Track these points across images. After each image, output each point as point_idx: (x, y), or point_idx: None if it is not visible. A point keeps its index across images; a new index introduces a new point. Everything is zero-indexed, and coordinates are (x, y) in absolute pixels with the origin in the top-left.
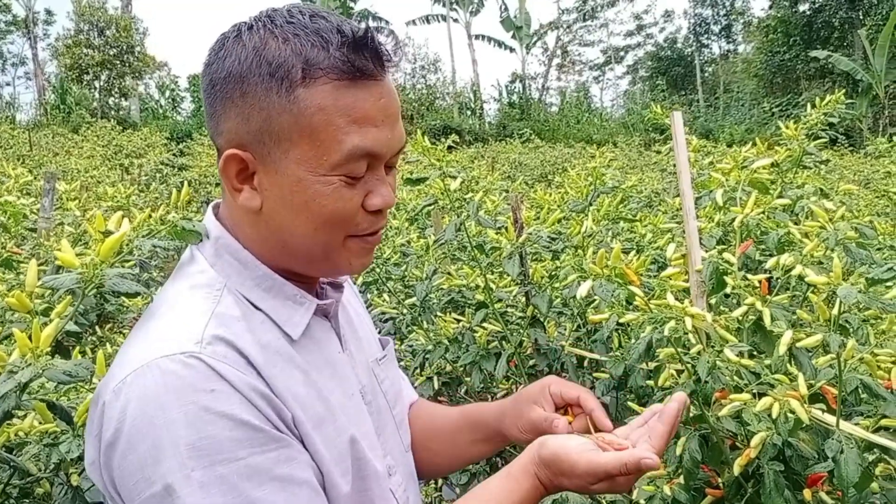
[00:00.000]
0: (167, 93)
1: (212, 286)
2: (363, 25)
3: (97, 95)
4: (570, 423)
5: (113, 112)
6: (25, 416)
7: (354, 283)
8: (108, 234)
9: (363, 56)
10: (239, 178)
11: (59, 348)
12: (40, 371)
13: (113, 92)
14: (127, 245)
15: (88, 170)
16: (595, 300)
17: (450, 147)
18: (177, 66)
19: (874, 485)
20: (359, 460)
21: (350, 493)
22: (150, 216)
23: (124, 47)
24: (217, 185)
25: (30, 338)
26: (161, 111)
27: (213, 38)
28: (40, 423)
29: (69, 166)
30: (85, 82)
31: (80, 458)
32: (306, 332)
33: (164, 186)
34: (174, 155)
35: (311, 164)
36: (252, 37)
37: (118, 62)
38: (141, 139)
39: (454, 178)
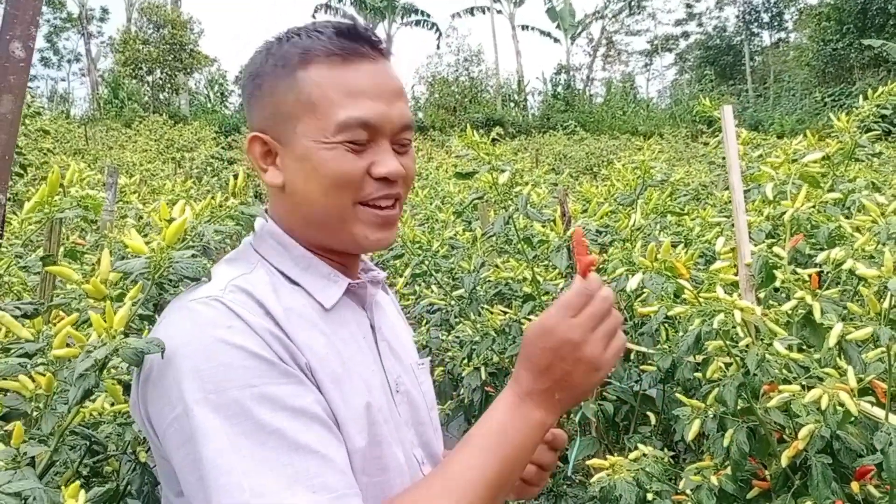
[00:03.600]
0: (216, 87)
1: (247, 261)
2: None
3: (149, 90)
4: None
5: (164, 107)
6: (96, 397)
7: (391, 286)
8: (172, 221)
9: (353, 40)
10: (265, 161)
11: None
12: (114, 349)
13: (165, 87)
14: (190, 232)
15: (143, 163)
16: (643, 294)
17: (493, 140)
18: (225, 62)
19: None
20: (374, 425)
21: (366, 450)
22: (210, 203)
23: (179, 45)
24: None
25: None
26: (210, 105)
27: (260, 36)
28: (112, 404)
29: (124, 160)
30: (138, 77)
31: None
32: (338, 309)
33: (215, 180)
34: (223, 148)
35: (315, 134)
36: (268, 45)
37: (171, 58)
38: (191, 133)
39: (503, 171)
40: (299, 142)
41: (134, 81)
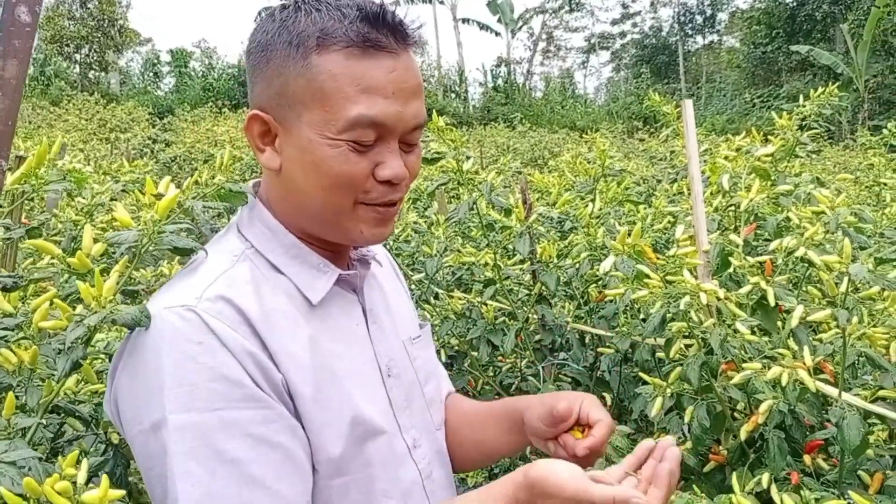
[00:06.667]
0: (150, 67)
1: (231, 252)
2: (384, 2)
3: (77, 68)
4: (576, 438)
5: (94, 85)
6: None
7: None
8: (159, 196)
9: (377, 29)
10: (263, 140)
11: None
12: (107, 314)
13: (93, 65)
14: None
15: (77, 143)
16: (602, 279)
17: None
18: (160, 41)
19: (869, 451)
20: (360, 425)
21: (340, 459)
22: (196, 180)
23: (107, 21)
24: (205, 161)
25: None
26: (143, 85)
27: (197, 13)
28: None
29: (55, 139)
30: (65, 55)
31: None
32: (327, 301)
33: (153, 162)
34: (160, 130)
35: (321, 127)
36: (282, 13)
37: (100, 35)
38: (125, 113)
39: (468, 158)
40: (302, 130)
41: (60, 59)
